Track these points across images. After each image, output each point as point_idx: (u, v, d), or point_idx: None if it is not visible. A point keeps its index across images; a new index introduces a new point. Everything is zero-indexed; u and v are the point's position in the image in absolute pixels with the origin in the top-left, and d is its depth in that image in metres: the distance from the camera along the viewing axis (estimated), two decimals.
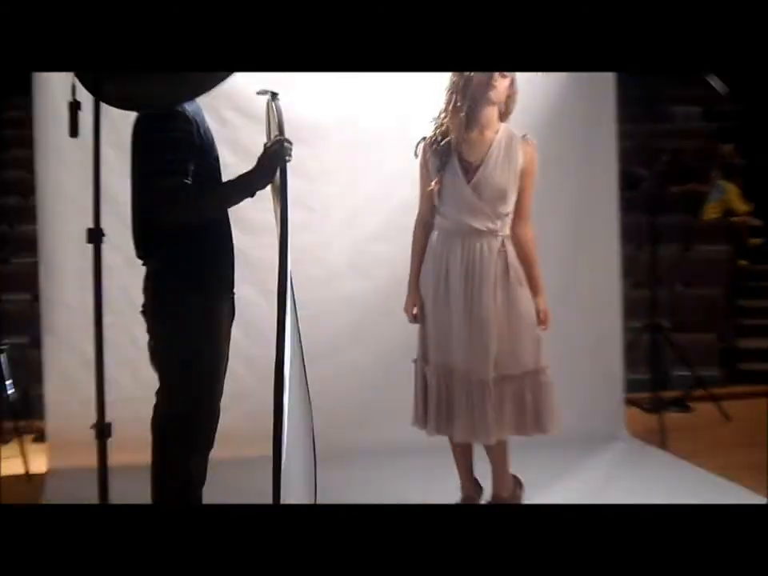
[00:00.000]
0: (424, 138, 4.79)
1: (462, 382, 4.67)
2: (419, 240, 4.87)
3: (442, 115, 4.72)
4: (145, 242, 4.10)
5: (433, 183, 4.70)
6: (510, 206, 4.70)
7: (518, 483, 4.98)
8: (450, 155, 4.66)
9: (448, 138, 4.66)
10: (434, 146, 4.72)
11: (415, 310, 4.86)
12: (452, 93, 4.65)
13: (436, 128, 4.74)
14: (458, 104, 4.62)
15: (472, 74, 4.56)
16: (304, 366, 4.26)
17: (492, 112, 4.69)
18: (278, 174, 3.99)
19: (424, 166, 4.79)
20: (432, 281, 4.77)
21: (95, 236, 3.43)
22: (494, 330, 4.65)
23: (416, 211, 4.91)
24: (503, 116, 4.74)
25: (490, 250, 4.66)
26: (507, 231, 4.73)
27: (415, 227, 4.90)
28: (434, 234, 4.80)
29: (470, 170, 4.66)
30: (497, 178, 4.64)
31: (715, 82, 7.12)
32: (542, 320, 4.81)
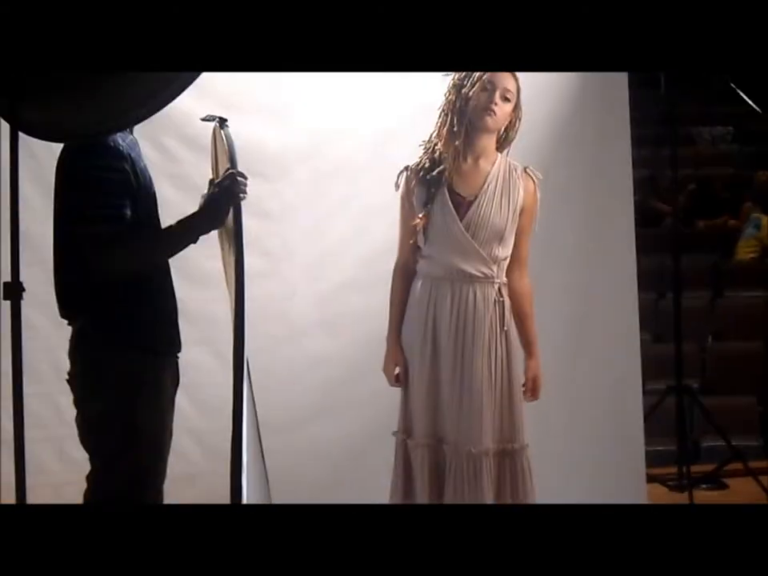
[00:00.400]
0: (407, 167, 4.81)
1: (453, 456, 4.68)
2: (399, 288, 4.88)
3: (434, 140, 4.75)
4: (70, 298, 4.11)
5: (418, 218, 4.70)
6: (507, 249, 4.74)
7: None
8: (440, 187, 4.68)
9: (441, 168, 4.69)
10: (421, 175, 4.73)
11: (397, 371, 4.86)
12: (447, 114, 4.69)
13: (425, 153, 4.78)
14: (454, 128, 4.65)
15: (470, 93, 4.60)
16: (260, 440, 4.28)
17: (490, 140, 4.74)
18: (229, 214, 4.02)
19: (407, 198, 4.79)
20: (416, 337, 4.77)
21: (13, 291, 3.44)
22: (489, 394, 4.68)
23: (395, 254, 4.92)
24: (502, 145, 4.80)
25: (485, 299, 4.69)
26: (504, 278, 4.77)
27: (394, 273, 4.91)
28: (418, 282, 4.81)
29: (462, 206, 4.68)
30: (493, 216, 4.67)
31: (748, 96, 7.20)
32: (531, 388, 4.85)
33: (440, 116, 4.74)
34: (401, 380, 4.85)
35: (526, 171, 4.79)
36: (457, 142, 4.66)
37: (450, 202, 4.67)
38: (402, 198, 4.83)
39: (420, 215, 4.71)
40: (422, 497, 4.76)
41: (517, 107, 4.70)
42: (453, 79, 4.70)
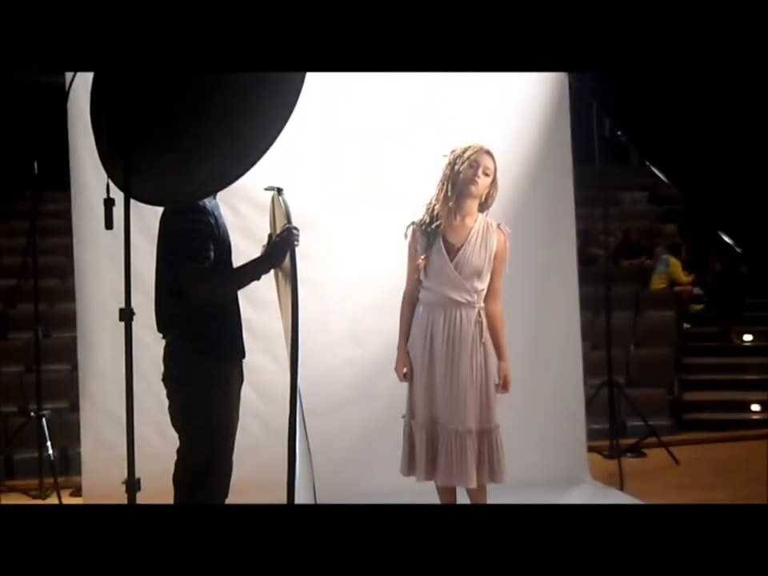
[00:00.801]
0: (413, 222, 4.83)
1: (444, 433, 4.69)
2: (406, 312, 4.90)
3: (433, 202, 4.79)
4: (165, 318, 4.12)
5: (420, 260, 4.74)
6: (484, 283, 4.78)
7: None
8: (437, 237, 4.72)
9: (438, 223, 4.72)
10: (423, 228, 4.77)
11: (405, 370, 4.87)
12: (443, 183, 4.74)
13: (426, 212, 4.80)
14: (448, 194, 4.70)
15: (461, 168, 4.66)
16: (305, 422, 4.25)
17: (473, 204, 4.77)
18: (287, 257, 4.02)
19: (413, 246, 4.83)
20: (418, 346, 4.80)
21: (126, 315, 3.43)
22: (471, 388, 4.70)
23: (403, 287, 4.92)
24: (482, 207, 4.82)
25: (468, 320, 4.72)
26: (482, 303, 4.78)
27: (402, 301, 4.93)
28: (419, 307, 4.85)
29: (452, 251, 4.72)
30: (474, 259, 4.72)
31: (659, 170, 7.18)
32: (503, 384, 4.82)
33: (438, 185, 4.78)
34: (408, 377, 4.86)
35: (498, 227, 4.82)
36: (450, 204, 4.71)
37: (443, 249, 4.72)
38: (409, 245, 4.86)
39: (422, 258, 4.74)
40: (420, 467, 4.75)
41: (494, 181, 4.76)
42: (448, 158, 4.74)
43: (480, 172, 4.67)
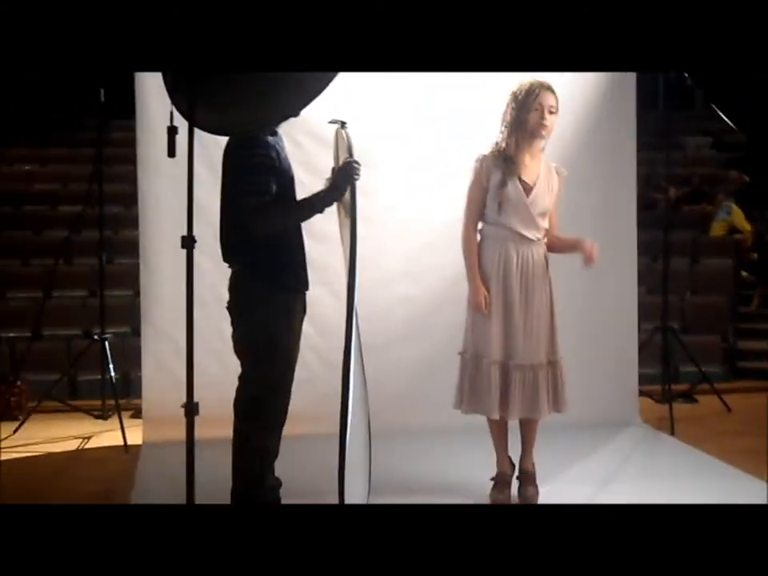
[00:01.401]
0: (485, 156, 4.75)
1: (518, 368, 4.69)
2: (473, 239, 4.81)
3: (501, 142, 4.74)
4: (231, 248, 4.14)
5: (497, 195, 4.67)
6: (547, 222, 4.81)
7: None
8: (513, 174, 4.68)
9: (512, 162, 4.68)
10: (496, 163, 4.71)
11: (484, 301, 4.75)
12: (510, 126, 4.71)
13: (495, 148, 4.75)
14: (519, 136, 4.68)
15: (528, 114, 4.64)
16: (362, 356, 4.27)
17: (541, 143, 4.77)
18: (347, 191, 4.02)
19: (482, 178, 4.74)
20: (489, 282, 4.73)
21: (188, 243, 3.47)
22: (543, 322, 4.74)
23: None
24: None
25: (539, 256, 4.76)
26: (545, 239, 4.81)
27: (466, 230, 4.81)
28: (485, 242, 4.79)
29: (527, 190, 4.70)
30: (546, 199, 4.74)
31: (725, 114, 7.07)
32: (589, 257, 4.74)
33: (503, 125, 4.73)
34: (488, 307, 4.73)
35: (557, 168, 4.83)
36: (521, 144, 4.70)
37: (520, 187, 4.68)
38: (477, 177, 4.76)
39: (498, 193, 4.67)
40: (491, 402, 4.69)
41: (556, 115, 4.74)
42: (510, 99, 4.70)
43: (546, 113, 4.64)
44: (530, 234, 4.72)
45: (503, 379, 4.71)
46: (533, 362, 4.71)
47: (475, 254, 4.79)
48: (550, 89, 4.68)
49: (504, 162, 4.70)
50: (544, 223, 4.77)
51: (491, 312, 4.72)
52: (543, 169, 4.78)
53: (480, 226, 4.83)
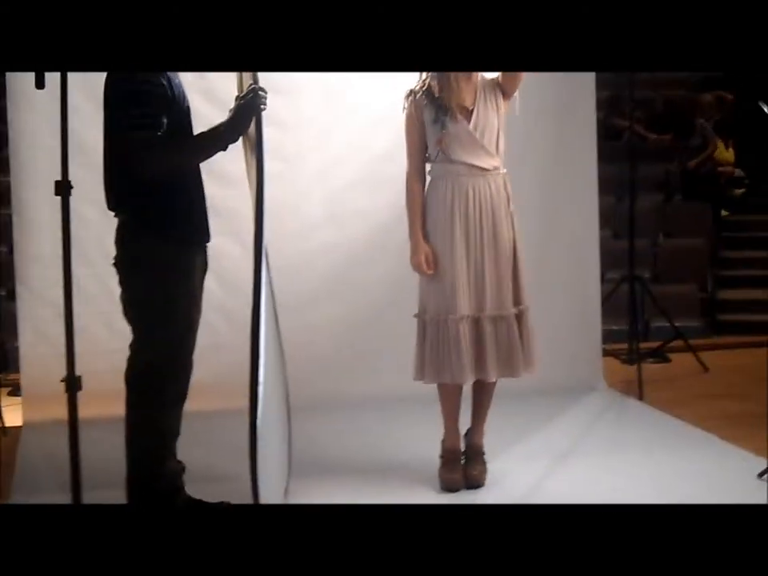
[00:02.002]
0: (413, 91, 4.79)
1: (490, 321, 4.73)
2: (418, 191, 4.83)
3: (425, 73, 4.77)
4: (116, 194, 4.12)
5: (441, 133, 4.69)
6: (502, 144, 4.81)
7: None
8: (448, 104, 4.69)
9: (441, 89, 4.69)
10: (428, 97, 4.73)
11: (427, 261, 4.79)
12: None
13: (425, 79, 4.77)
14: None
15: None
16: (277, 316, 4.28)
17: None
18: (252, 124, 4.01)
19: (415, 116, 4.78)
20: (444, 227, 4.75)
21: (63, 188, 3.43)
22: (509, 264, 4.79)
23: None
24: None
25: (497, 189, 4.77)
26: (504, 168, 4.82)
27: (409, 179, 4.84)
28: (437, 182, 4.80)
29: (466, 115, 4.73)
30: (491, 119, 4.75)
31: None
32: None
33: None
34: (431, 267, 4.76)
35: (494, 79, 4.84)
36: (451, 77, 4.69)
37: (458, 114, 4.70)
38: (410, 116, 4.80)
39: (442, 130, 4.69)
40: (464, 365, 4.69)
41: None
42: None
43: None
44: (482, 163, 4.74)
45: (475, 336, 4.73)
46: (505, 311, 4.76)
47: (419, 205, 4.81)
48: None
49: (435, 93, 4.72)
50: (498, 148, 4.79)
51: (444, 266, 4.73)
52: (480, 86, 4.79)
53: (428, 167, 4.86)
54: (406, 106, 4.81)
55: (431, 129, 4.74)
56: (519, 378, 4.84)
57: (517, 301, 4.82)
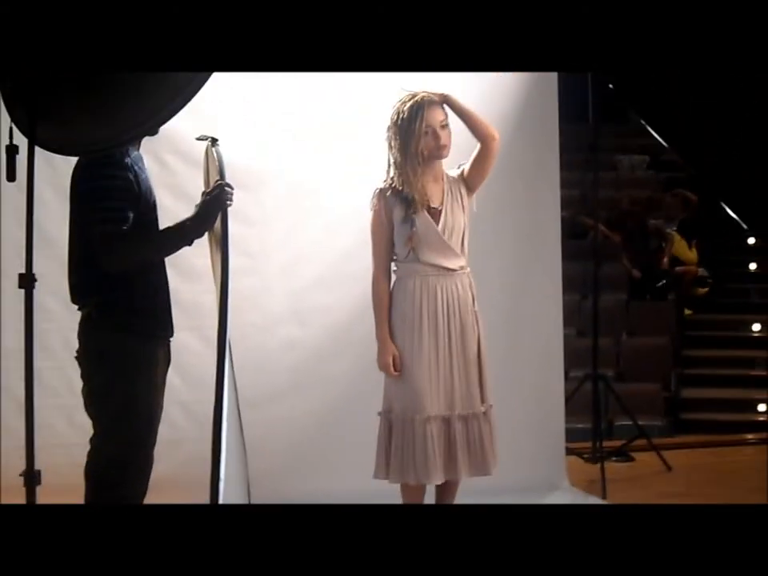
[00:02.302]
0: (381, 190, 4.81)
1: (460, 420, 4.76)
2: (384, 291, 4.85)
3: (393, 169, 4.79)
4: (80, 287, 4.12)
5: (411, 232, 4.72)
6: (467, 242, 4.85)
7: None
8: (417, 206, 4.72)
9: (409, 188, 4.73)
10: (396, 195, 4.76)
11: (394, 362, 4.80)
12: (403, 156, 4.74)
13: (393, 178, 4.79)
14: (418, 165, 4.72)
15: (419, 145, 4.69)
16: (239, 412, 4.29)
17: (440, 164, 4.85)
18: (218, 219, 4.04)
19: (383, 214, 4.80)
20: (412, 327, 4.77)
21: (26, 281, 3.45)
22: (476, 362, 4.82)
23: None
24: None
25: (464, 288, 4.82)
26: (468, 269, 4.87)
27: (376, 279, 4.86)
28: (404, 282, 4.82)
29: (435, 215, 4.77)
30: (456, 218, 4.80)
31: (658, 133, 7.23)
32: None
33: (392, 150, 4.77)
34: (397, 368, 4.78)
35: (460, 168, 4.92)
36: (422, 171, 4.74)
37: (427, 215, 4.74)
38: (378, 215, 4.81)
39: (411, 229, 4.72)
40: (425, 467, 4.69)
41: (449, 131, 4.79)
42: (392, 132, 4.75)
43: (438, 131, 4.71)
44: (450, 263, 4.78)
45: (446, 436, 4.75)
46: (473, 410, 4.79)
47: (385, 307, 4.83)
48: (431, 102, 4.72)
49: (404, 194, 4.75)
50: (463, 247, 4.83)
51: (412, 365, 4.75)
52: (446, 184, 4.84)
53: (393, 266, 4.89)
54: (374, 204, 4.82)
55: (400, 228, 4.76)
56: (477, 478, 4.85)
57: (483, 398, 4.84)
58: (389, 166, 4.81)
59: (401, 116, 4.71)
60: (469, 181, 4.87)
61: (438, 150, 4.74)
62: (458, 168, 4.93)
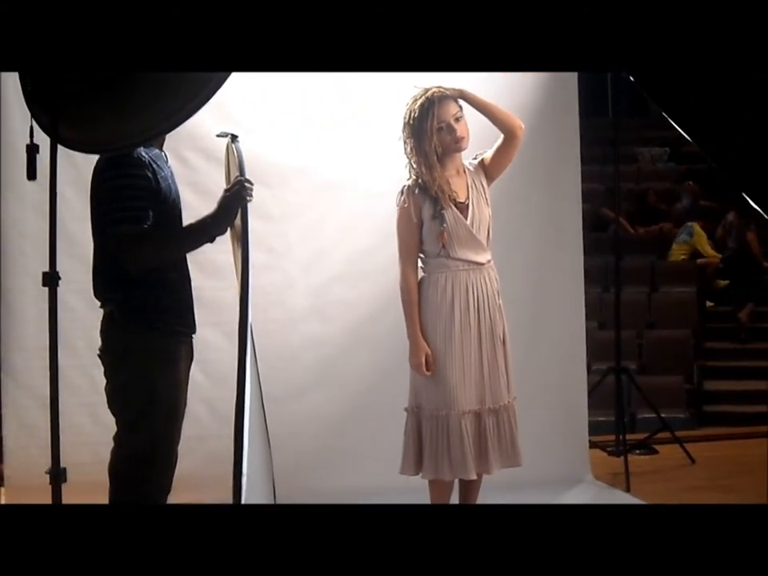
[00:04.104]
0: (408, 187, 4.78)
1: (492, 412, 4.77)
2: (414, 289, 4.80)
3: (416, 164, 4.77)
4: (102, 285, 4.12)
5: (443, 229, 4.70)
6: (491, 235, 4.84)
7: None
8: (446, 202, 4.71)
9: (437, 182, 4.71)
10: (425, 192, 4.73)
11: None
12: (424, 155, 4.72)
13: (417, 175, 4.77)
14: (437, 162, 4.71)
15: (434, 143, 4.68)
16: (263, 408, 4.28)
17: (461, 155, 4.84)
18: (238, 215, 4.03)
19: (412, 211, 4.75)
20: (442, 325, 4.75)
21: (50, 280, 3.46)
22: (503, 355, 4.83)
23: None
24: None
25: (491, 281, 4.82)
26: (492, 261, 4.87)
27: (406, 275, 4.81)
28: (434, 277, 4.79)
29: (463, 210, 4.76)
30: (483, 211, 4.80)
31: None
32: None
33: (415, 157, 4.75)
34: (430, 368, 4.75)
35: (477, 159, 4.92)
36: (445, 166, 4.75)
37: (456, 211, 4.73)
38: (406, 211, 4.77)
39: (443, 225, 4.70)
40: (462, 462, 4.69)
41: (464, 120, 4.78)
42: (406, 134, 4.75)
43: (453, 124, 4.69)
44: (479, 258, 4.78)
45: (477, 430, 4.74)
46: (503, 402, 4.80)
47: (416, 304, 4.80)
48: (442, 96, 4.71)
49: (431, 190, 4.72)
50: (489, 240, 4.82)
51: (443, 361, 4.72)
52: (469, 177, 4.84)
53: (420, 263, 4.87)
54: (402, 201, 4.79)
55: (430, 225, 4.74)
56: (500, 472, 4.84)
57: (509, 390, 4.85)
58: (409, 164, 4.80)
59: (412, 115, 4.71)
60: (490, 171, 4.87)
61: (456, 144, 4.73)
62: (475, 159, 4.93)
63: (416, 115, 4.69)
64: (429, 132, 4.66)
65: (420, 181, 4.76)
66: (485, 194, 4.84)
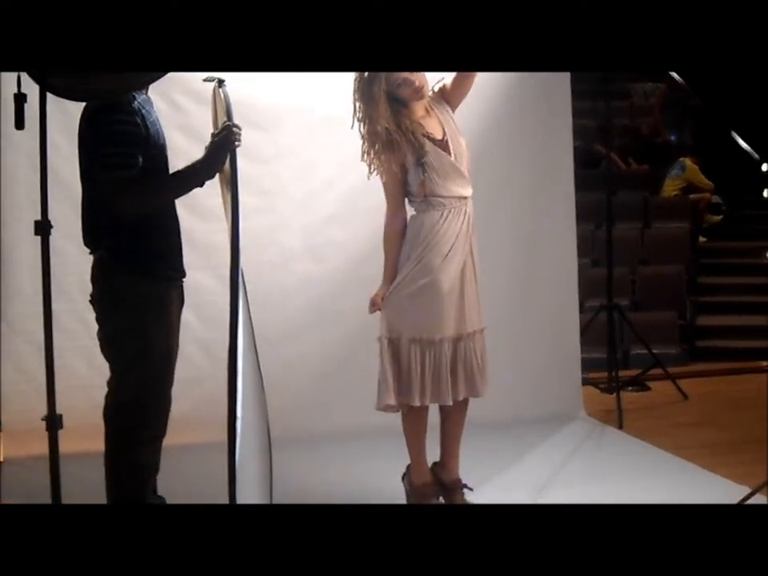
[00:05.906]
0: (387, 129, 4.70)
1: (468, 339, 4.75)
2: (397, 233, 4.80)
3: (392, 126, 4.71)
4: (92, 232, 4.15)
5: (423, 176, 4.67)
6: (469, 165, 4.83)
7: None
8: (423, 141, 4.67)
9: (411, 126, 4.68)
10: (400, 146, 4.67)
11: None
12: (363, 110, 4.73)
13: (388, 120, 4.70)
14: (402, 108, 4.70)
15: (396, 91, 4.66)
16: (256, 349, 4.30)
17: (426, 98, 4.78)
18: (227, 160, 4.04)
19: (393, 165, 4.71)
20: (430, 254, 4.71)
21: (42, 227, 3.47)
22: (476, 284, 4.82)
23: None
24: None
25: (469, 212, 4.78)
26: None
27: (391, 221, 4.81)
28: (421, 215, 4.76)
29: (444, 147, 4.72)
30: (461, 144, 4.77)
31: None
32: None
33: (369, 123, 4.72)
34: (377, 307, 4.78)
35: (441, 88, 4.84)
36: (412, 114, 4.72)
37: (438, 149, 4.70)
38: (387, 163, 4.72)
39: (424, 174, 4.67)
40: (440, 388, 4.70)
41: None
42: (359, 105, 4.73)
43: (409, 75, 4.62)
44: (464, 191, 4.76)
45: (454, 357, 4.75)
46: (478, 327, 4.80)
47: (396, 250, 4.79)
48: None
49: (404, 131, 4.68)
50: (469, 171, 4.79)
51: (443, 284, 4.70)
52: (438, 113, 4.79)
53: (408, 203, 4.84)
54: (382, 160, 4.74)
55: (415, 171, 4.70)
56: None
57: (481, 319, 4.84)
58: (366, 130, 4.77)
59: (362, 80, 4.67)
60: (452, 99, 4.83)
61: (418, 94, 4.69)
62: (436, 87, 4.84)
63: (365, 78, 4.65)
64: (381, 91, 4.62)
65: (392, 138, 4.69)
66: (454, 125, 4.81)
